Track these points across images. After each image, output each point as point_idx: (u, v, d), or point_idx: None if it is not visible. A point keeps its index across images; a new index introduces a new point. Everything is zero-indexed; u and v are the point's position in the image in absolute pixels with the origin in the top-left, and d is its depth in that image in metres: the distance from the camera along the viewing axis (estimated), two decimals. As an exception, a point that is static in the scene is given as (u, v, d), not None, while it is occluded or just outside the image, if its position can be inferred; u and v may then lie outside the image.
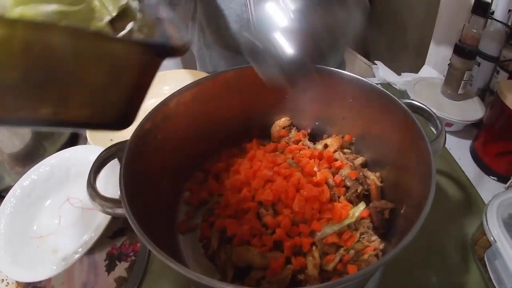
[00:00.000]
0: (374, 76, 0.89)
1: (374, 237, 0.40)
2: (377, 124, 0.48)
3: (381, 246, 0.39)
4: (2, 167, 0.65)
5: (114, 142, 0.42)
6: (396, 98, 0.44)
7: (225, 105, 0.53)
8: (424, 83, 0.78)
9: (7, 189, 0.57)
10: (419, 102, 0.45)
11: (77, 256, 0.48)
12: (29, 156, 0.67)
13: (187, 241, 0.47)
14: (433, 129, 0.45)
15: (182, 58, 0.61)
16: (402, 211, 0.41)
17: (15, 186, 0.57)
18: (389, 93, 0.45)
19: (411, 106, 0.44)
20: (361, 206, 0.41)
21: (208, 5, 0.74)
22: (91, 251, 0.49)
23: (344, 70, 0.49)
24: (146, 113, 0.43)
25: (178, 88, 0.48)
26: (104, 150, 0.42)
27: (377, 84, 0.84)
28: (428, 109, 0.45)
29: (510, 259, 0.41)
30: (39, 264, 0.50)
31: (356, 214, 0.40)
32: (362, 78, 0.48)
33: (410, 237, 0.28)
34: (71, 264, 0.48)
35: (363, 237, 0.40)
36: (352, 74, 0.48)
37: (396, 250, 0.27)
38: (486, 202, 0.56)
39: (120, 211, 0.35)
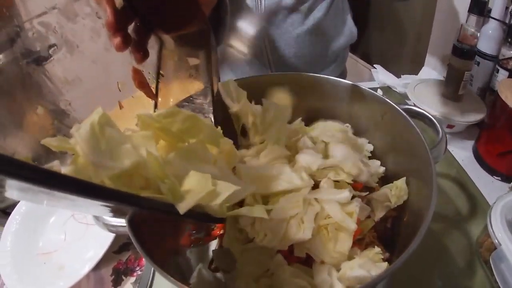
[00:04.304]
0: (374, 80, 0.89)
1: (380, 247, 0.40)
2: (377, 131, 0.48)
3: (386, 256, 0.39)
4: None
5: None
6: (394, 105, 0.44)
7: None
8: (424, 85, 0.78)
9: (12, 206, 0.58)
10: (418, 108, 0.45)
11: (83, 272, 0.49)
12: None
13: (195, 251, 0.47)
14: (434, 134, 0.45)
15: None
16: (404, 219, 0.41)
17: (19, 203, 0.57)
18: (388, 100, 0.45)
19: (411, 112, 0.44)
20: (370, 223, 0.41)
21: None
22: (97, 266, 0.50)
23: (345, 78, 0.49)
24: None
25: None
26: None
27: (376, 88, 0.85)
28: (427, 115, 0.44)
29: (516, 262, 0.41)
30: (46, 281, 0.50)
31: (365, 232, 0.40)
32: (360, 85, 0.48)
33: (410, 250, 0.28)
34: (78, 280, 0.48)
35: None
36: (348, 82, 0.48)
37: (395, 265, 0.27)
38: (490, 203, 0.56)
39: (123, 229, 0.35)
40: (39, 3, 0.37)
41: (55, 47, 0.37)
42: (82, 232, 0.55)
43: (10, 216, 0.57)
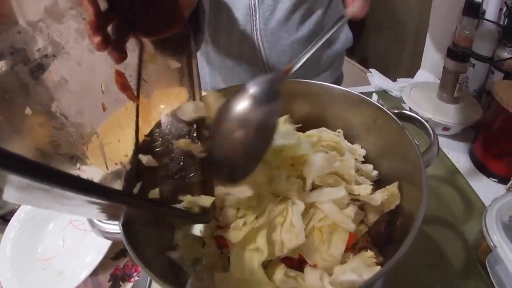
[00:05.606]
0: (369, 84, 0.89)
1: (374, 251, 0.40)
2: (370, 135, 0.48)
3: (379, 260, 0.39)
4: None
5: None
6: (385, 109, 0.44)
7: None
8: (419, 88, 0.78)
9: (11, 213, 0.59)
10: (410, 111, 0.46)
11: (82, 277, 0.49)
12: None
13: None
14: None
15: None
16: (398, 223, 0.41)
17: (18, 210, 0.58)
18: (379, 104, 0.45)
19: (403, 116, 0.44)
20: (364, 229, 0.41)
21: (217, 14, 0.74)
22: (95, 272, 0.50)
23: (342, 82, 0.49)
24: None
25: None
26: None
27: (372, 92, 0.85)
28: (419, 118, 0.45)
29: (511, 264, 0.41)
30: (45, 286, 0.51)
31: (358, 237, 0.40)
32: (352, 91, 0.48)
33: (401, 253, 0.28)
34: (77, 286, 0.49)
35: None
36: (341, 87, 0.49)
37: (386, 267, 0.27)
38: (487, 205, 0.56)
39: (118, 236, 0.36)
40: (31, 4, 0.36)
41: (41, 48, 0.37)
42: (80, 239, 0.56)
43: (9, 223, 0.57)
